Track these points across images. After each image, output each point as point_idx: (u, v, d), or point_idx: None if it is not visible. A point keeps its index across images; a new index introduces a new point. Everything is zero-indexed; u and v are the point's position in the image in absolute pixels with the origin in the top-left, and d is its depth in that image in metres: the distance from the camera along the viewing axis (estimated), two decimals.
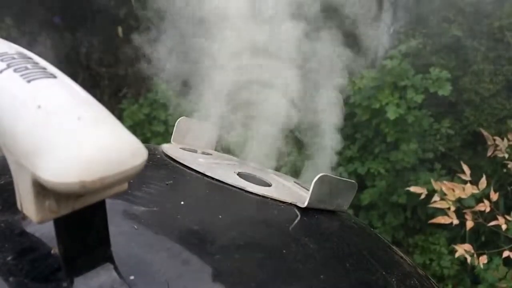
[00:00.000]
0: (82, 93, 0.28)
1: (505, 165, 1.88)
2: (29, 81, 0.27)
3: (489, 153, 1.87)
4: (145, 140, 2.93)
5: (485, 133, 1.89)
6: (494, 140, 1.85)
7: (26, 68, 0.28)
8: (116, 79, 3.38)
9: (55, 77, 0.28)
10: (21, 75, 0.28)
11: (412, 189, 1.82)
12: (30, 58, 0.30)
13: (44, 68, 0.29)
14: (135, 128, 3.11)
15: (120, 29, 3.31)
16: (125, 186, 0.29)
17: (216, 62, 0.75)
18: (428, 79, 2.48)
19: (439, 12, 2.67)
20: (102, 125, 0.26)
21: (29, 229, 0.34)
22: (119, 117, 3.15)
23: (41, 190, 0.26)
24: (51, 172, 0.24)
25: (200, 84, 0.79)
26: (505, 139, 1.83)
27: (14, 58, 0.29)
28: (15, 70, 0.28)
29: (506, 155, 1.81)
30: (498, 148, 1.83)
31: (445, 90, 2.45)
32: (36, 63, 0.29)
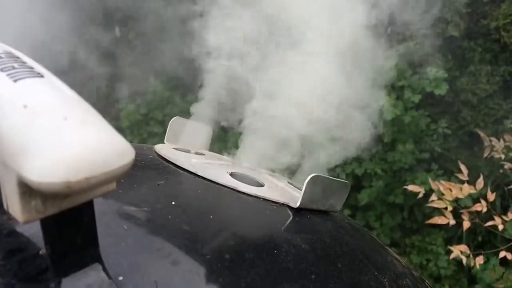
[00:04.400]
0: (69, 93, 0.28)
1: (501, 166, 1.88)
2: (15, 81, 0.27)
3: (485, 154, 1.87)
4: (142, 141, 2.93)
5: (481, 134, 1.89)
6: (491, 141, 1.85)
7: (13, 68, 0.28)
8: (114, 79, 3.37)
9: (42, 76, 0.28)
10: (8, 75, 0.28)
11: (410, 187, 1.82)
12: (17, 57, 0.30)
13: (31, 68, 0.29)
14: (132, 129, 3.11)
15: (117, 29, 3.31)
16: (113, 186, 0.28)
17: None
18: (425, 79, 2.48)
19: (436, 13, 2.67)
20: (88, 125, 0.26)
21: (18, 229, 0.34)
22: (117, 117, 3.14)
23: (27, 190, 0.26)
24: (36, 172, 0.24)
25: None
26: (502, 140, 1.83)
27: (1, 58, 0.29)
28: (1, 70, 0.28)
29: (503, 156, 1.81)
30: (495, 149, 1.83)
31: (442, 90, 2.45)
32: (23, 63, 0.29)
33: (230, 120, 0.79)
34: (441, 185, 1.70)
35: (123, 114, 3.14)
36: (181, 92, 3.11)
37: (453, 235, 2.44)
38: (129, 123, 3.10)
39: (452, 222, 1.66)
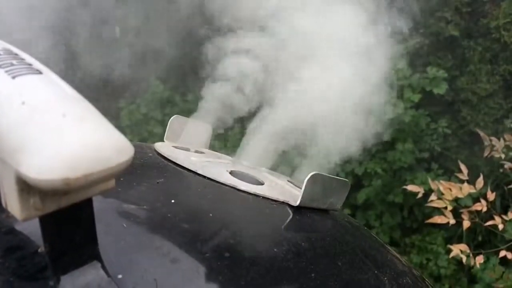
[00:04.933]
0: (68, 90, 0.28)
1: (501, 165, 1.88)
2: (14, 77, 0.27)
3: (485, 154, 1.86)
4: (142, 140, 2.93)
5: (481, 133, 1.88)
6: (491, 140, 1.84)
7: (12, 64, 0.28)
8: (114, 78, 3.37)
9: (40, 73, 0.28)
10: (6, 71, 0.27)
11: (409, 187, 1.81)
12: (16, 54, 0.30)
13: (30, 64, 0.29)
14: (132, 128, 3.11)
15: (117, 29, 3.30)
16: (112, 183, 0.28)
17: None
18: (425, 78, 2.48)
19: (436, 12, 2.67)
20: (87, 122, 0.26)
21: (17, 227, 0.34)
22: (117, 116, 3.14)
23: (26, 187, 0.25)
24: (34, 169, 0.23)
25: None
26: (502, 140, 1.83)
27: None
28: (0, 66, 0.28)
29: (503, 155, 1.81)
30: (495, 148, 1.83)
31: (441, 89, 2.45)
32: (22, 59, 0.29)
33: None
34: (441, 185, 1.70)
35: (123, 114, 3.14)
36: (181, 91, 3.11)
37: (453, 234, 2.44)
38: (129, 122, 3.10)
39: (452, 221, 1.65)
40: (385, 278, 0.46)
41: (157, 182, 0.46)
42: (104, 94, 3.31)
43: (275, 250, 0.41)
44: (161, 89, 3.13)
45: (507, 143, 1.83)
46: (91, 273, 0.30)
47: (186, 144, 0.66)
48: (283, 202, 0.50)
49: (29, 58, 0.29)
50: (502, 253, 1.67)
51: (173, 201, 0.42)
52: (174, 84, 3.16)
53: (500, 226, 1.65)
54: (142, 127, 3.10)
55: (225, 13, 0.81)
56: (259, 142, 0.73)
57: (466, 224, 1.67)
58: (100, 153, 0.25)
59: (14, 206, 0.26)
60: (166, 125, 0.67)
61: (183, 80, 3.05)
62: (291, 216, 0.48)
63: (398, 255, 0.59)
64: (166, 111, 3.05)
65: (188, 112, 0.83)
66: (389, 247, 0.61)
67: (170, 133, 0.66)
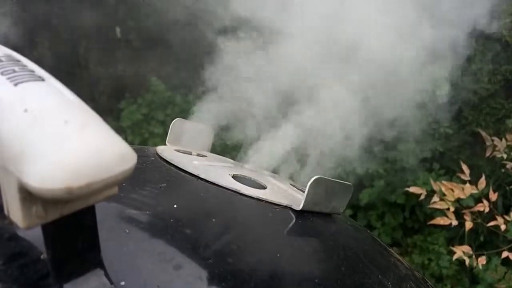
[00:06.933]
0: (70, 96, 0.28)
1: (503, 165, 1.87)
2: (16, 84, 0.27)
3: (487, 153, 1.86)
4: (143, 141, 2.93)
5: (483, 133, 1.88)
6: (493, 140, 1.84)
7: (14, 71, 0.28)
8: (115, 79, 3.37)
9: (42, 80, 0.28)
10: (8, 78, 0.27)
11: (411, 189, 1.81)
12: (18, 60, 0.29)
13: (32, 71, 0.28)
14: (133, 129, 3.11)
15: (118, 30, 3.30)
16: (115, 190, 0.28)
17: None
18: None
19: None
20: (89, 129, 0.26)
21: (19, 234, 0.34)
22: (118, 117, 3.14)
23: (28, 195, 0.25)
24: (37, 177, 0.23)
25: None
26: (503, 139, 1.83)
27: (1, 61, 0.29)
28: (2, 73, 0.27)
29: (505, 155, 1.81)
30: (497, 148, 1.83)
31: (442, 89, 2.45)
32: (24, 66, 0.29)
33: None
34: (443, 186, 1.70)
35: (124, 114, 3.14)
36: (182, 92, 3.11)
37: (455, 235, 2.43)
38: (130, 123, 3.10)
39: (455, 222, 1.65)
40: (389, 283, 0.46)
41: (160, 187, 0.46)
42: (104, 94, 3.31)
43: (278, 255, 0.40)
44: (162, 89, 3.13)
45: (509, 143, 1.83)
46: (94, 280, 0.30)
47: (188, 147, 0.66)
48: (286, 206, 0.50)
49: (31, 65, 0.29)
50: (504, 254, 1.66)
51: (175, 206, 0.42)
52: (175, 84, 3.16)
53: (502, 227, 1.65)
54: (143, 128, 3.09)
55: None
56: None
57: (468, 225, 1.66)
58: (102, 161, 0.24)
59: (16, 214, 0.26)
60: (167, 125, 0.66)
61: (184, 80, 3.05)
62: (294, 221, 0.48)
63: (400, 258, 0.59)
64: (167, 112, 3.05)
65: (189, 112, 0.83)
66: (391, 250, 0.61)
67: (172, 136, 0.66)
